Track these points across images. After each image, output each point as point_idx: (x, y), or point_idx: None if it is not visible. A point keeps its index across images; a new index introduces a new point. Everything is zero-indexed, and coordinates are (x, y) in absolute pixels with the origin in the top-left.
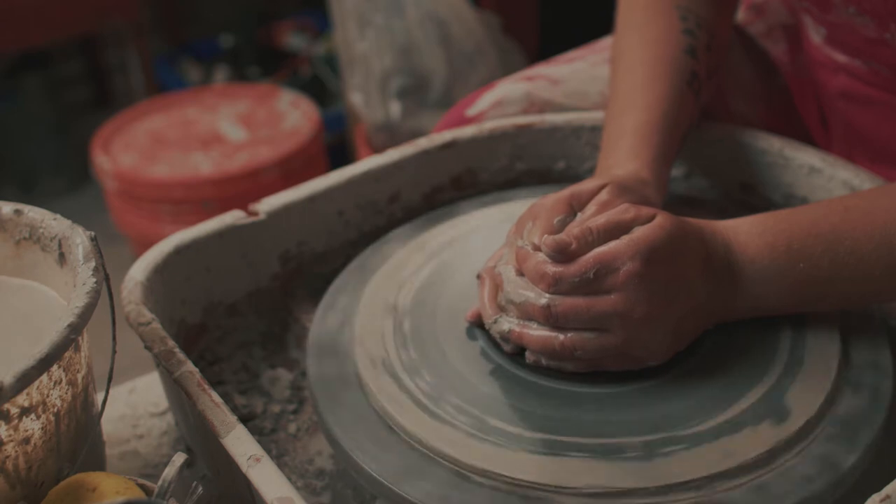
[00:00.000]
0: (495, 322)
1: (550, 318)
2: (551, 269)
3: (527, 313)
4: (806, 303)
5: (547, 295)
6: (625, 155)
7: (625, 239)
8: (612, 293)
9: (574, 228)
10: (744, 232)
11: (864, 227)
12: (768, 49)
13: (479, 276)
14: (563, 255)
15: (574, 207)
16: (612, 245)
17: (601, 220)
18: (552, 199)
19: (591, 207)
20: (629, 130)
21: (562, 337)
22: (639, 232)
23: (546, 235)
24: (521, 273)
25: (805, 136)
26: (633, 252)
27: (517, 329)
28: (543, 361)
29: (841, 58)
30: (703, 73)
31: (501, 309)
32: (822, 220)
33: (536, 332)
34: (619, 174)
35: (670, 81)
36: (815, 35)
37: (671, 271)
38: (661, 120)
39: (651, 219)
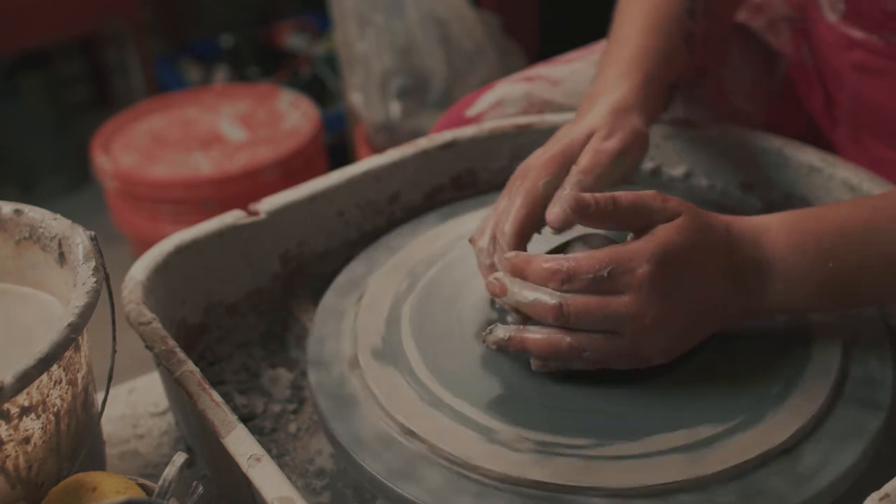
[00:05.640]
0: (490, 332)
1: (561, 318)
2: (565, 264)
3: (536, 313)
4: (832, 302)
5: (558, 293)
6: (613, 80)
7: (643, 240)
8: (626, 294)
9: (597, 194)
10: (773, 229)
11: (892, 225)
12: (770, 42)
13: (470, 240)
14: (581, 213)
15: (567, 162)
16: (629, 245)
17: (629, 196)
18: (544, 157)
19: (584, 157)
20: (620, 60)
21: (569, 338)
22: (659, 232)
23: (570, 189)
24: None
25: (808, 128)
26: (650, 254)
27: (517, 335)
28: (552, 365)
29: (857, 34)
30: (699, 34)
31: (503, 312)
32: (851, 219)
33: (540, 335)
34: (602, 112)
35: (668, 34)
36: (830, 14)
37: (688, 274)
38: (654, 53)
39: (675, 215)
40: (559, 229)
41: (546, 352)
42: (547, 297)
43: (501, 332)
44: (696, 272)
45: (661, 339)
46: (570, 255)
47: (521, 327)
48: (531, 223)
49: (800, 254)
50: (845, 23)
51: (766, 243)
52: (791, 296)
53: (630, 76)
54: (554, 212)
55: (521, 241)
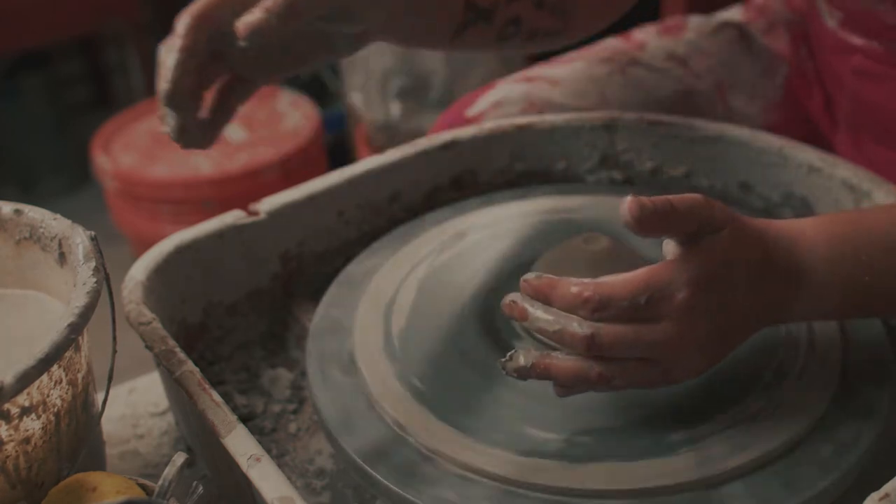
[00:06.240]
0: (510, 359)
1: (593, 349)
2: (598, 291)
3: (563, 343)
4: (859, 313)
5: (588, 323)
6: None
7: (680, 261)
8: (662, 321)
9: (653, 197)
10: (810, 238)
11: None
12: (770, 45)
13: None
14: (641, 216)
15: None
16: (665, 267)
17: (683, 202)
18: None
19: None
20: None
21: (598, 367)
22: (697, 252)
23: (631, 196)
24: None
25: (808, 130)
26: (688, 278)
27: (541, 361)
28: (577, 391)
29: (857, 40)
30: None
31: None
32: (892, 232)
33: (566, 363)
34: None
35: None
36: (829, 20)
37: (724, 294)
38: None
39: (719, 228)
40: (249, 40)
41: (571, 379)
42: (576, 325)
43: (523, 358)
44: (731, 290)
45: (695, 360)
46: (601, 280)
47: (545, 353)
48: (207, 18)
49: (835, 265)
50: (844, 28)
51: (802, 253)
52: (820, 307)
53: None
54: (248, 21)
55: (194, 32)
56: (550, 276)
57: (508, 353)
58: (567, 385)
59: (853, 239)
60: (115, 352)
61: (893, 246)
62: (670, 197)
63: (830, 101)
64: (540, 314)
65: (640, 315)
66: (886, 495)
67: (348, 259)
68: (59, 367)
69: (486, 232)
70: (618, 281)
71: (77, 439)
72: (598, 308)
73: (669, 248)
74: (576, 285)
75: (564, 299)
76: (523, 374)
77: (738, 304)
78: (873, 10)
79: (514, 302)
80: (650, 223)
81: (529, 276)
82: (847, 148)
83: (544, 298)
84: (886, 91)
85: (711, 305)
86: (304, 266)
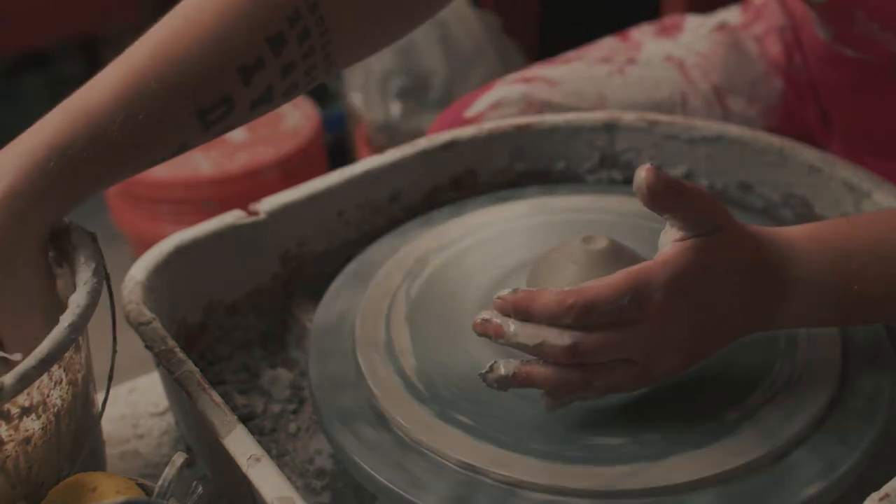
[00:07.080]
0: (490, 370)
1: (575, 358)
2: (581, 296)
3: (545, 356)
4: (846, 321)
5: (569, 333)
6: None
7: (661, 262)
8: (642, 322)
9: (671, 177)
10: (801, 246)
11: None
12: (767, 50)
13: None
14: (654, 187)
15: None
16: (646, 268)
17: (696, 189)
18: None
19: None
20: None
21: (580, 371)
22: (681, 253)
23: (649, 164)
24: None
25: (804, 136)
26: (666, 279)
27: (522, 369)
28: (565, 400)
29: (851, 53)
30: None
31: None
32: (885, 241)
33: (547, 370)
34: None
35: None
36: (822, 33)
37: (706, 296)
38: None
39: (714, 229)
40: None
41: (556, 386)
42: (556, 337)
43: (503, 368)
44: (717, 293)
45: (675, 359)
46: (583, 286)
47: (526, 361)
48: None
49: (826, 274)
50: (838, 42)
51: (793, 261)
52: (810, 314)
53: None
54: None
55: None
56: (528, 289)
57: (489, 364)
58: (553, 393)
59: (844, 247)
60: (115, 352)
61: (884, 254)
62: (684, 181)
63: (824, 112)
64: (518, 329)
65: (623, 316)
66: (886, 495)
67: (348, 259)
68: (60, 367)
69: (485, 232)
70: (600, 285)
71: (77, 439)
72: (584, 313)
73: (667, 237)
74: (557, 294)
75: (547, 309)
76: (505, 384)
77: (723, 306)
78: (873, 37)
79: (486, 320)
80: (661, 196)
81: (503, 292)
82: (843, 157)
83: (524, 312)
84: (880, 105)
85: (692, 305)
86: (304, 266)
